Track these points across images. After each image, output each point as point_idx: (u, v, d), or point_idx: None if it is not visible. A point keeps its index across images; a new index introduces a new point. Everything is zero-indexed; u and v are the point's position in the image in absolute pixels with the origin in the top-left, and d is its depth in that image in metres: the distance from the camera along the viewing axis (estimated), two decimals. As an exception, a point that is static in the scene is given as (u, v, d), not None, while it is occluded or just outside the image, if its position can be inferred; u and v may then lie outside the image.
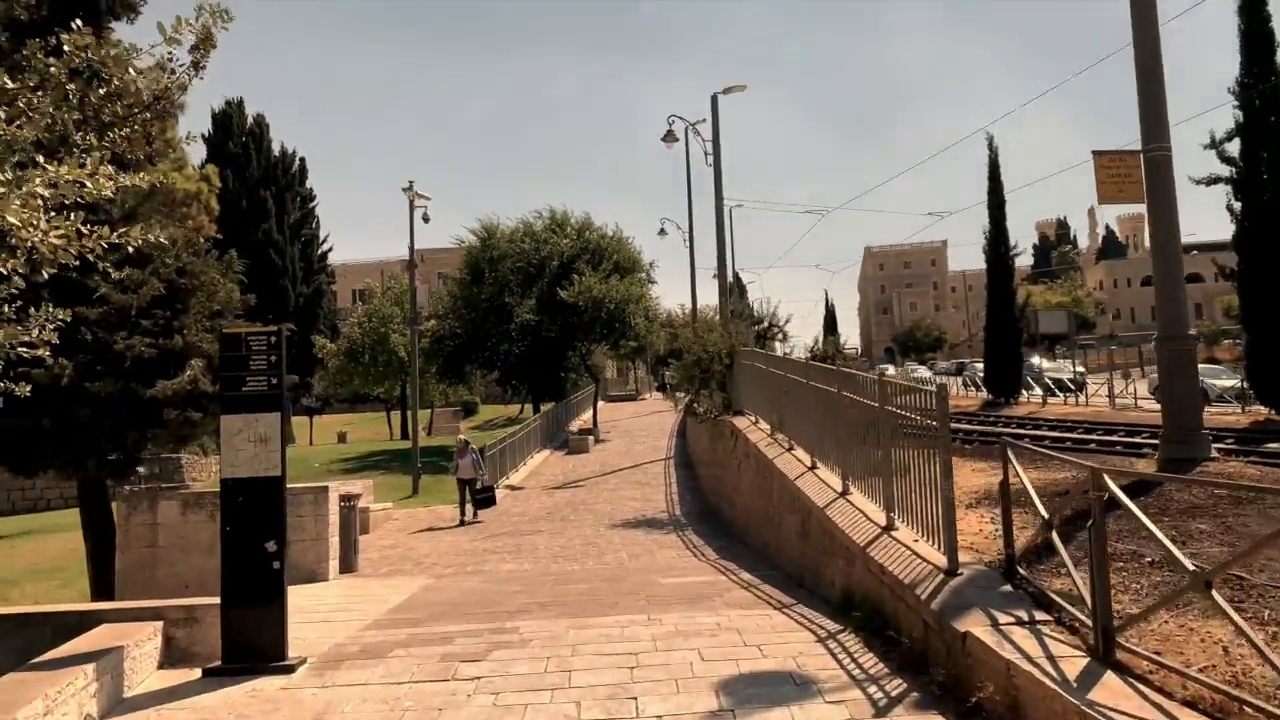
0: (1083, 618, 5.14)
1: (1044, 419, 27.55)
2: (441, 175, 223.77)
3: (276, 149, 57.22)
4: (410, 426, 32.99)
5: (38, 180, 4.42)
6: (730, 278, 31.54)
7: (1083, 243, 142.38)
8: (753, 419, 17.27)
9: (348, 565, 14.16)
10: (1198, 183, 22.34)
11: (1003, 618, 5.51)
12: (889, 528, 7.87)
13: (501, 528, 19.09)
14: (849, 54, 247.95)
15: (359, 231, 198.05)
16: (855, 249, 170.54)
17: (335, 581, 13.23)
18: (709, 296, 57.17)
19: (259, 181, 54.44)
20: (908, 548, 7.20)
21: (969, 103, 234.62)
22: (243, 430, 7.09)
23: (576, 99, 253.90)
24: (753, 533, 14.93)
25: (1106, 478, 4.93)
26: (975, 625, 5.43)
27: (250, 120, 56.43)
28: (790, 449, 13.03)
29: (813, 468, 11.30)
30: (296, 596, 10.25)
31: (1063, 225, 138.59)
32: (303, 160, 58.95)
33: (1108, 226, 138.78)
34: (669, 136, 31.27)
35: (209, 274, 14.30)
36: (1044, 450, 7.05)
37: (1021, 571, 6.27)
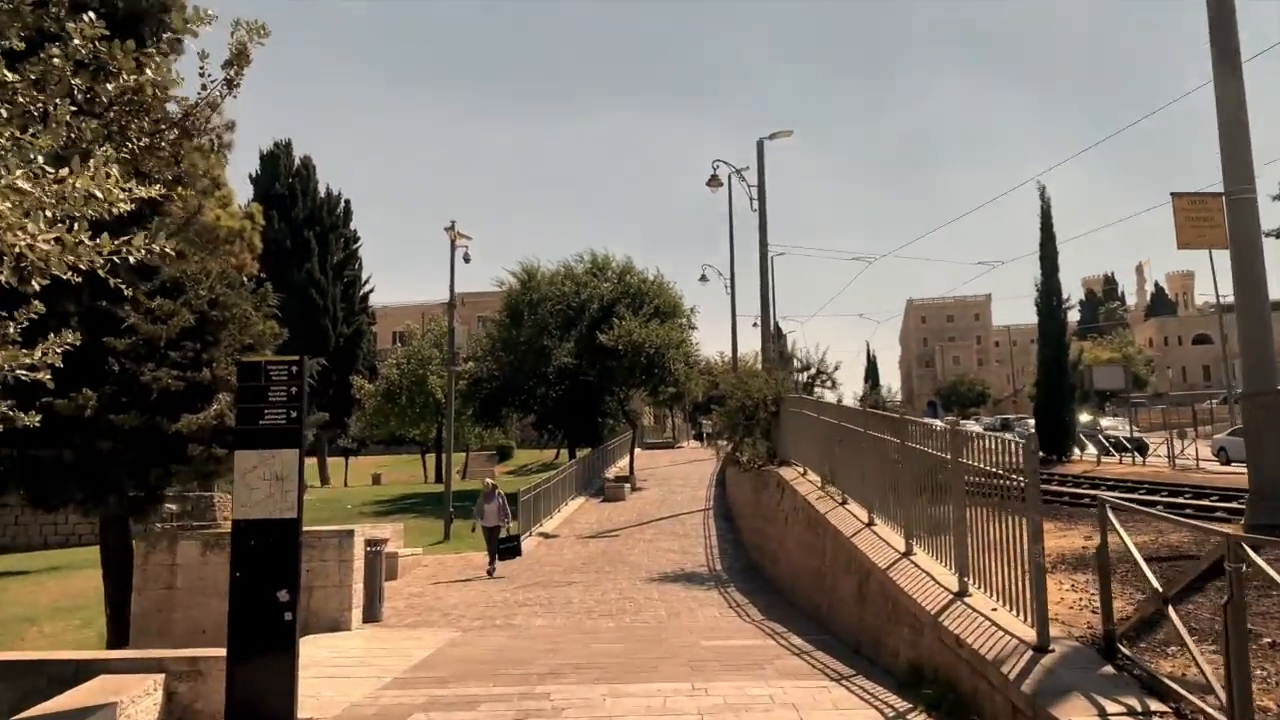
0: (1210, 710, 4.41)
1: (1101, 478, 26.41)
2: (484, 220, 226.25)
3: (323, 190, 57.80)
4: (444, 469, 32.47)
5: (19, 173, 3.89)
6: (772, 325, 30.88)
7: (1130, 299, 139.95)
8: (800, 470, 16.51)
9: (372, 614, 13.49)
10: (1267, 235, 21.48)
11: (1110, 706, 4.79)
12: (962, 593, 7.15)
13: (534, 578, 18.37)
14: (879, 102, 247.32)
15: (401, 274, 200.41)
16: (898, 299, 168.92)
17: (358, 631, 12.56)
18: (749, 344, 56.49)
19: (304, 222, 54.89)
20: (986, 617, 6.47)
21: (1002, 150, 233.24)
22: (258, 467, 6.54)
23: (612, 141, 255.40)
24: (801, 592, 14.10)
25: (1247, 547, 4.20)
26: (1077, 714, 4.76)
27: (297, 162, 57.10)
28: (844, 503, 12.26)
29: (870, 524, 10.53)
30: (315, 647, 9.66)
31: (1110, 281, 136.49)
32: (348, 202, 59.50)
33: (1157, 283, 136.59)
34: (713, 181, 30.88)
35: (242, 307, 13.91)
36: (1154, 513, 6.28)
37: (1124, 650, 5.52)
